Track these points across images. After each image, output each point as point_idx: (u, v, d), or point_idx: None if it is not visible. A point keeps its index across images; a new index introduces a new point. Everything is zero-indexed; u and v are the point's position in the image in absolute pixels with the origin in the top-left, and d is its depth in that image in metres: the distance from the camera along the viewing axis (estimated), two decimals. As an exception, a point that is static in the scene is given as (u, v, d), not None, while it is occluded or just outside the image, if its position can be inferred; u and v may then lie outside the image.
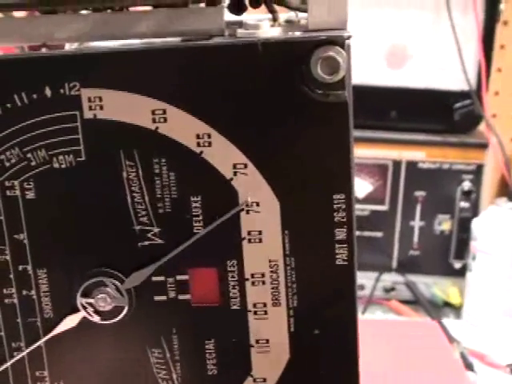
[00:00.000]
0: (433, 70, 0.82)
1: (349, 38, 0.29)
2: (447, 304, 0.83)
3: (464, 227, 0.81)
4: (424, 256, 0.84)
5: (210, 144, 0.30)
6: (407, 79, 0.83)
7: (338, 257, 0.31)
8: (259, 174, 0.30)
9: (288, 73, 0.29)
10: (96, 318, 0.31)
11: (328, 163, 0.30)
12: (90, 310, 0.31)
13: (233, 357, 0.32)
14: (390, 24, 0.82)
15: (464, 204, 0.81)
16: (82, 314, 0.31)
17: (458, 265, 0.83)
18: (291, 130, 0.30)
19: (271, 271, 0.31)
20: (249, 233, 0.31)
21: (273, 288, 0.31)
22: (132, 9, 0.34)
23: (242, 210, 0.31)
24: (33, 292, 0.32)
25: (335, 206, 0.30)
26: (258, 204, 0.31)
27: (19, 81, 0.30)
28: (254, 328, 0.32)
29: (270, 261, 0.31)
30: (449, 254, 0.83)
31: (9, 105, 0.30)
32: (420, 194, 0.82)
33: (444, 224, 0.83)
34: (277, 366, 0.32)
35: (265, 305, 0.32)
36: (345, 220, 0.30)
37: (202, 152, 0.30)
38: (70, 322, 0.31)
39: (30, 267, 0.32)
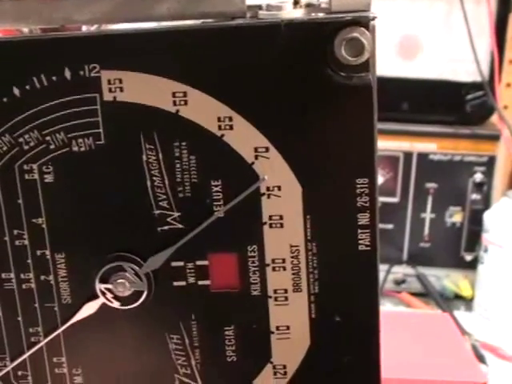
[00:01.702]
0: (445, 61, 0.82)
1: (374, 19, 0.29)
2: (458, 296, 0.82)
3: (475, 219, 0.81)
4: (435, 248, 0.83)
5: (231, 127, 0.30)
6: (419, 70, 0.82)
7: (360, 242, 0.30)
8: (281, 157, 0.30)
9: (311, 54, 0.29)
10: (115, 304, 0.31)
11: (351, 147, 0.30)
12: (109, 295, 0.31)
13: (252, 343, 0.32)
14: (402, 15, 0.81)
15: (476, 196, 0.81)
16: (101, 300, 0.31)
17: (469, 257, 0.82)
18: (314, 112, 0.29)
19: (292, 257, 0.31)
20: (270, 217, 0.31)
21: (294, 274, 0.31)
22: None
23: (263, 194, 0.30)
24: (51, 277, 0.32)
25: (358, 191, 0.30)
26: (279, 188, 0.30)
27: (38, 62, 0.29)
28: (275, 314, 0.32)
29: (291, 246, 0.31)
30: (460, 247, 0.83)
31: (28, 87, 0.29)
32: (431, 185, 0.82)
33: (455, 216, 0.82)
34: (297, 353, 0.32)
35: (285, 291, 0.31)
36: (368, 205, 0.30)
37: (223, 135, 0.30)
38: (89, 308, 0.31)
39: (48, 252, 0.31)
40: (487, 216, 0.78)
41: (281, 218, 0.30)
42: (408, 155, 0.81)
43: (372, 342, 0.31)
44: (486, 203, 0.81)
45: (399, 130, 0.81)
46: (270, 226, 0.31)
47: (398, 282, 0.83)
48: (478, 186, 0.81)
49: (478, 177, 0.81)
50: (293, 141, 0.30)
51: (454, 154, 0.80)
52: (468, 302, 0.81)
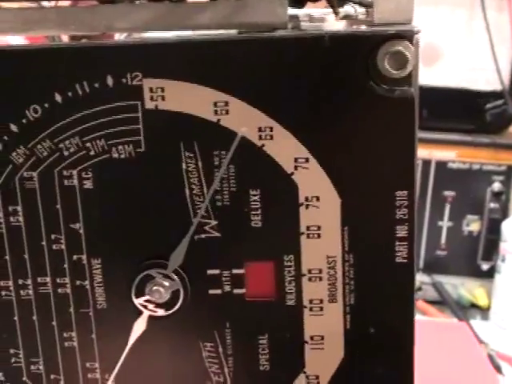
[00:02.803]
0: (465, 69, 0.82)
1: (418, 32, 0.29)
2: (474, 305, 0.82)
3: (493, 228, 0.81)
4: (451, 257, 0.83)
5: (271, 137, 0.30)
6: (439, 78, 0.82)
7: (397, 254, 0.30)
8: (321, 168, 0.30)
9: (354, 67, 0.29)
10: (160, 312, 0.31)
11: (392, 159, 0.30)
12: (151, 306, 0.31)
13: (286, 353, 0.32)
14: (423, 22, 0.81)
15: (494, 205, 0.81)
16: (146, 314, 0.31)
17: (485, 266, 0.82)
18: (355, 124, 0.29)
19: (329, 267, 0.31)
20: (308, 228, 0.31)
21: (330, 284, 0.31)
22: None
23: (302, 204, 0.30)
24: (86, 282, 0.32)
25: (397, 203, 0.30)
26: (318, 199, 0.30)
27: (81, 70, 0.29)
28: (309, 324, 0.32)
29: (328, 257, 0.31)
30: (477, 255, 0.83)
31: (70, 94, 0.30)
32: (449, 193, 0.82)
33: (473, 225, 0.82)
34: (330, 364, 0.32)
35: (321, 301, 0.31)
36: (406, 217, 0.30)
37: (263, 145, 0.30)
38: (139, 326, 0.31)
39: (84, 257, 0.31)
40: (505, 225, 0.78)
41: (318, 228, 0.31)
42: (426, 163, 0.81)
43: (406, 355, 0.31)
44: (504, 212, 0.81)
45: (418, 137, 0.81)
46: (308, 236, 0.31)
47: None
48: (496, 195, 0.81)
49: (497, 186, 0.80)
50: (333, 152, 0.30)
51: (473, 162, 0.80)
52: (484, 311, 0.81)
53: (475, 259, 0.83)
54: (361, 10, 0.37)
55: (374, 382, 0.32)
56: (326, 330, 0.32)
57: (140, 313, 0.31)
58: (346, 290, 0.31)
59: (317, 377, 0.32)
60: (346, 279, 0.31)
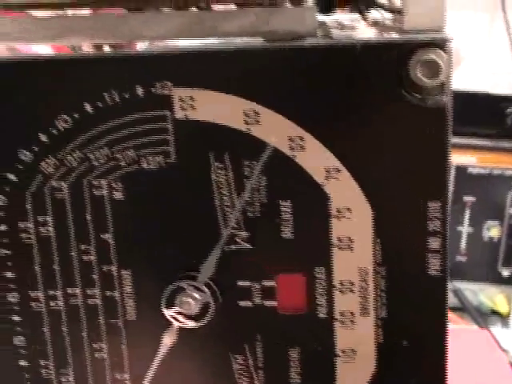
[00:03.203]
0: (486, 73, 0.81)
1: (451, 40, 0.28)
2: (494, 312, 0.82)
3: (514, 234, 0.80)
4: (471, 262, 0.82)
5: (302, 147, 0.29)
6: (459, 82, 0.81)
7: (430, 267, 0.30)
8: (352, 179, 0.29)
9: (386, 75, 0.28)
10: (190, 323, 0.31)
11: (424, 170, 0.29)
12: (181, 318, 0.31)
13: (317, 366, 0.32)
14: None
15: (514, 211, 0.80)
16: (175, 326, 0.31)
17: (506, 272, 0.81)
18: (387, 134, 0.29)
19: (361, 279, 0.30)
20: (339, 239, 0.30)
21: (361, 297, 0.31)
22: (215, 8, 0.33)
23: (333, 215, 0.30)
24: (116, 293, 0.31)
25: (430, 215, 0.29)
26: (349, 210, 0.30)
27: (111, 79, 0.29)
28: (341, 337, 0.31)
29: (359, 269, 0.30)
30: (497, 261, 0.82)
31: (99, 103, 0.29)
32: (469, 199, 0.81)
33: (493, 230, 0.81)
34: (362, 377, 0.31)
35: (352, 314, 0.31)
36: (439, 229, 0.30)
37: (294, 155, 0.29)
38: (169, 338, 0.31)
39: (114, 268, 0.31)
40: (526, 231, 0.77)
41: (350, 240, 0.30)
42: (446, 168, 0.80)
43: (439, 368, 0.31)
44: (525, 218, 0.80)
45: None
46: (339, 248, 0.30)
47: (434, 296, 0.82)
48: (517, 201, 0.80)
49: (518, 191, 0.80)
50: (364, 162, 0.29)
51: (494, 167, 0.80)
52: (504, 318, 0.80)
53: (495, 265, 0.82)
54: (388, 15, 0.37)
55: (405, 396, 0.32)
56: (357, 343, 0.31)
57: (170, 324, 0.31)
58: (378, 302, 0.31)
59: (347, 390, 0.32)
60: (377, 292, 0.31)
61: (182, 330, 0.31)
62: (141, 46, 0.36)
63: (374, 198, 0.30)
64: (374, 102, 0.29)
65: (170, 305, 0.31)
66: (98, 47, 0.36)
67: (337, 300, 0.31)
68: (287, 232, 0.30)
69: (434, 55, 0.28)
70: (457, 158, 0.80)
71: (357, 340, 0.31)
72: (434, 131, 0.29)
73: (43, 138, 0.30)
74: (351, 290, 0.31)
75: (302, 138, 0.29)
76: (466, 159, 0.80)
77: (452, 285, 0.82)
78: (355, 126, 0.29)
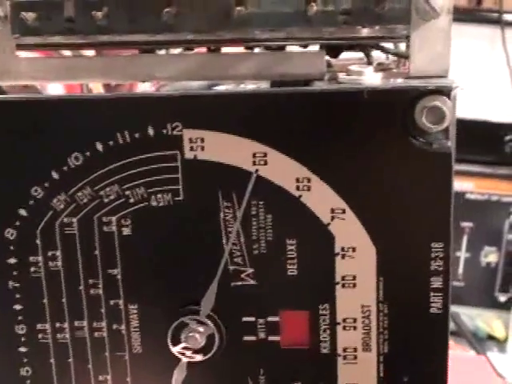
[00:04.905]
0: (484, 100, 0.82)
1: (455, 87, 0.29)
2: (491, 337, 0.82)
3: (511, 260, 0.81)
4: (468, 288, 0.83)
5: (309, 188, 0.30)
6: (458, 109, 0.82)
7: (432, 305, 0.31)
8: (357, 219, 0.30)
9: (391, 121, 0.29)
10: (198, 357, 0.31)
11: (428, 212, 0.30)
12: (188, 353, 0.31)
13: (319, 401, 0.32)
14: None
15: (512, 237, 0.81)
16: (184, 361, 0.31)
17: (503, 298, 0.82)
18: (392, 176, 0.30)
19: (363, 316, 0.31)
20: (343, 277, 0.31)
21: (364, 333, 0.31)
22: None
23: (338, 254, 0.31)
24: (123, 327, 0.32)
25: (433, 255, 0.30)
26: (354, 249, 0.31)
27: (123, 119, 0.30)
28: (343, 373, 0.32)
29: (362, 306, 0.31)
30: (494, 287, 0.83)
31: (111, 142, 0.30)
32: (467, 224, 0.82)
33: (490, 256, 0.82)
34: (364, 412, 0.32)
35: (355, 350, 0.31)
36: (441, 269, 0.30)
37: (300, 196, 0.30)
38: (180, 373, 0.31)
39: (121, 302, 0.32)
40: (523, 258, 0.78)
41: (354, 278, 0.31)
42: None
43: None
44: (523, 244, 0.81)
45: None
46: (343, 285, 0.31)
47: (432, 321, 0.83)
48: (515, 227, 0.81)
49: (515, 218, 0.81)
50: (369, 203, 0.30)
51: (492, 194, 0.81)
52: (501, 344, 0.81)
53: (492, 291, 0.83)
54: (393, 58, 0.38)
55: (406, 431, 0.32)
56: (359, 378, 0.32)
57: (176, 357, 0.32)
58: (380, 339, 0.31)
59: (349, 425, 0.32)
60: (380, 328, 0.31)
61: (189, 363, 0.32)
62: (145, 87, 0.37)
63: (377, 237, 0.30)
64: (380, 145, 0.30)
65: (176, 340, 0.32)
66: (108, 87, 0.37)
67: (340, 336, 0.31)
68: (292, 269, 0.31)
69: (439, 102, 0.29)
70: (455, 184, 0.80)
71: (359, 375, 0.32)
72: (438, 174, 0.30)
73: (55, 175, 0.30)
74: (354, 327, 0.31)
75: (308, 180, 0.30)
76: (464, 185, 0.81)
77: (449, 309, 0.83)
78: (361, 168, 0.30)
